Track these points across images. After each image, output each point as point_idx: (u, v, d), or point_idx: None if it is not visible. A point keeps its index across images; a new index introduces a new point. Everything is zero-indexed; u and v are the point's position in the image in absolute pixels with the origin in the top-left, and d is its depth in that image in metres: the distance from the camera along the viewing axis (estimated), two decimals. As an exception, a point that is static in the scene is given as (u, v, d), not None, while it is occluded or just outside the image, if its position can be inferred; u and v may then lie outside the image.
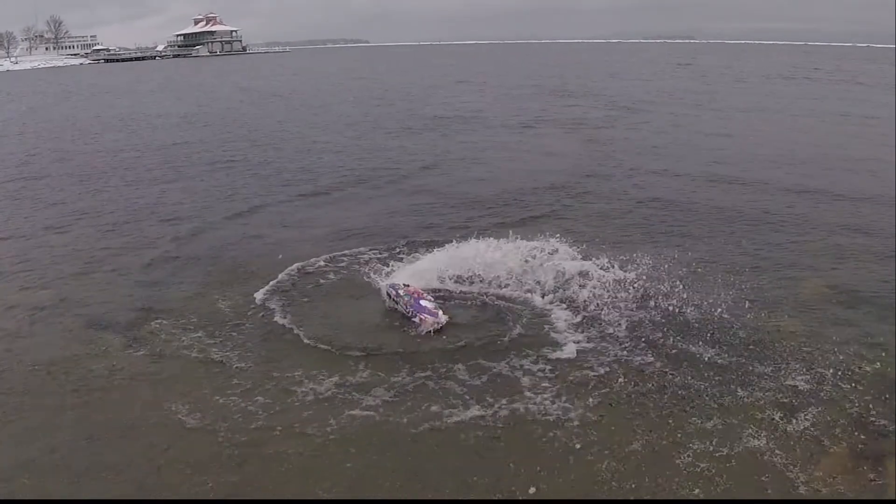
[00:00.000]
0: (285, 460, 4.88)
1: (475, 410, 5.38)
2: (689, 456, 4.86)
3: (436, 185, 13.87)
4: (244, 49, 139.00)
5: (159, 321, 7.20)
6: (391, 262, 8.59)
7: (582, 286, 7.49)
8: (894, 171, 13.92)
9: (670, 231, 10.21)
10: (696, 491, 4.53)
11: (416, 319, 6.80)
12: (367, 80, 48.79)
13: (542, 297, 7.41)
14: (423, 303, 6.92)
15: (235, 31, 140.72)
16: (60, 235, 10.73)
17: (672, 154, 16.84)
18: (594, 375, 5.89)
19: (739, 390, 5.67)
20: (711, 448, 4.94)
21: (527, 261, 8.08)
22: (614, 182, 13.74)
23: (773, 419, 5.29)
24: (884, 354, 6.24)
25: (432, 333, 6.66)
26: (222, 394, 5.71)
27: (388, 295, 7.29)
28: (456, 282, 7.87)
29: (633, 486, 4.59)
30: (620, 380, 5.79)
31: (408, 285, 7.30)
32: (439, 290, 7.67)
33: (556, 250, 8.33)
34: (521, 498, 4.51)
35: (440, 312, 6.83)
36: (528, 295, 7.53)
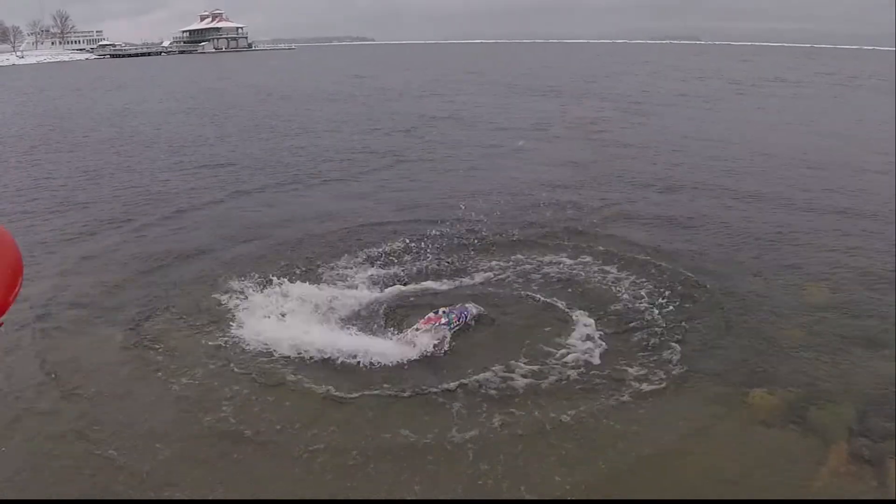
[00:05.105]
0: (287, 460, 4.88)
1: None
2: (689, 456, 4.85)
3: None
4: (250, 46, 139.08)
5: (160, 316, 7.21)
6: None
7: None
8: (894, 172, 13.90)
9: (671, 237, 10.15)
10: (697, 491, 4.52)
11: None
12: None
13: None
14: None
15: (241, 27, 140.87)
16: (61, 228, 10.75)
17: (671, 157, 16.80)
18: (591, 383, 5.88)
19: (740, 392, 5.66)
20: (711, 448, 4.94)
21: None
22: (622, 190, 13.69)
23: (775, 420, 5.29)
24: (884, 355, 6.25)
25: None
26: (223, 391, 5.71)
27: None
28: None
29: (635, 485, 4.59)
30: (618, 386, 5.76)
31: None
32: None
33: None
34: (521, 498, 4.50)
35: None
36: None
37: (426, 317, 6.71)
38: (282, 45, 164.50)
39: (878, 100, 33.58)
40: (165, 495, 4.56)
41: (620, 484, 4.62)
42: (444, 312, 6.72)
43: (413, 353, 6.21)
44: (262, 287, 7.52)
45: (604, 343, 6.41)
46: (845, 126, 23.12)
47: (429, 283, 8.00)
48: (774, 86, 40.73)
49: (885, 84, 43.52)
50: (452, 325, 6.66)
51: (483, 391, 5.65)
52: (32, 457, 4.94)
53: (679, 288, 7.74)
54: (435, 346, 6.33)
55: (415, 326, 6.60)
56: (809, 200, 12.18)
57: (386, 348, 6.25)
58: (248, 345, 6.41)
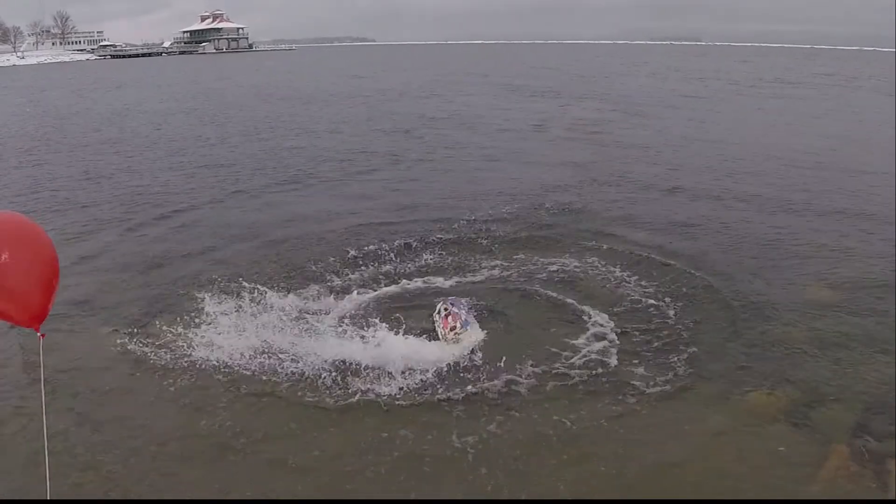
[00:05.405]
0: (287, 463, 4.87)
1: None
2: (690, 457, 4.85)
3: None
4: (250, 46, 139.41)
5: (160, 317, 7.19)
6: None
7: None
8: (894, 173, 13.92)
9: (672, 238, 10.13)
10: (697, 491, 4.52)
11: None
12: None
13: None
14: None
15: (242, 28, 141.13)
16: (61, 228, 10.72)
17: (671, 158, 16.80)
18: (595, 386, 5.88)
19: (741, 392, 5.66)
20: (712, 449, 4.94)
21: None
22: (617, 191, 13.67)
23: (775, 421, 5.29)
24: (884, 355, 6.25)
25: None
26: (222, 393, 5.71)
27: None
28: None
29: (637, 486, 4.60)
30: (621, 389, 5.76)
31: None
32: None
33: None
34: (522, 498, 4.49)
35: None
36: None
37: (442, 318, 6.65)
38: (282, 46, 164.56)
39: (877, 101, 33.61)
40: (165, 495, 4.54)
41: (621, 486, 4.61)
42: (447, 310, 6.68)
43: (461, 352, 6.17)
44: (260, 288, 7.50)
45: (608, 344, 6.40)
46: (845, 127, 23.14)
47: (431, 284, 7.99)
48: (775, 86, 40.77)
49: (885, 85, 43.57)
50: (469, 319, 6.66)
51: (484, 394, 5.63)
52: (30, 457, 4.93)
53: (682, 289, 7.73)
54: (477, 340, 6.36)
55: (449, 327, 6.50)
56: (809, 201, 12.18)
57: (432, 352, 6.15)
58: (246, 347, 6.37)
